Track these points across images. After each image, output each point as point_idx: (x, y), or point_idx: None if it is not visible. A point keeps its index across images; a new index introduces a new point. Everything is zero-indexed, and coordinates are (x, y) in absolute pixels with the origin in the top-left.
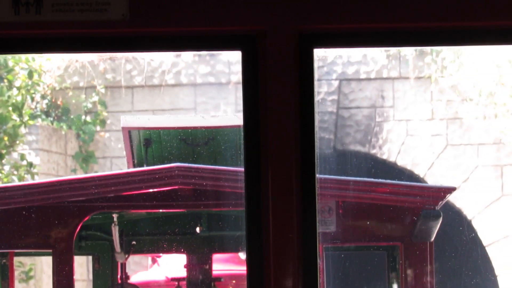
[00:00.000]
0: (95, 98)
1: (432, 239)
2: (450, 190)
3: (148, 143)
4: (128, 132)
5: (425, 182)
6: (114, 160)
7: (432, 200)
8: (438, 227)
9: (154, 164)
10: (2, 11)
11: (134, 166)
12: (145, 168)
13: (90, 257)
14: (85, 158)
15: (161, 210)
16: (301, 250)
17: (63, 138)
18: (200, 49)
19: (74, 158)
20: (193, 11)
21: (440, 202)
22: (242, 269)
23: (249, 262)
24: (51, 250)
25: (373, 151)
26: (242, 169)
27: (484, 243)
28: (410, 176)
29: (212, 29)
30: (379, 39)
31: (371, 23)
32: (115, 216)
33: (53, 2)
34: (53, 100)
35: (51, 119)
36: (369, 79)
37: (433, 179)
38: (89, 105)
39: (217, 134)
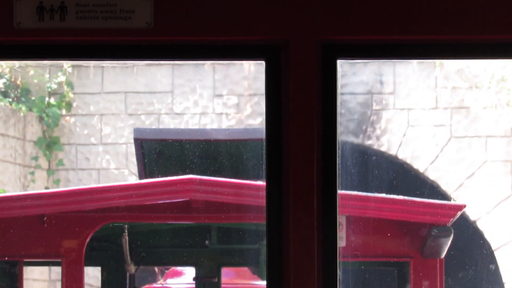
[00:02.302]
0: (62, 78)
1: (443, 256)
2: (461, 207)
3: (161, 155)
4: (141, 144)
5: (426, 177)
6: (80, 148)
7: (443, 217)
8: (449, 244)
9: (166, 176)
10: (26, 18)
11: (146, 177)
12: (157, 179)
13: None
14: (49, 144)
15: (171, 222)
16: (321, 265)
17: (22, 121)
18: (223, 59)
19: (36, 144)
20: (217, 20)
21: (451, 219)
22: (251, 283)
23: (269, 276)
24: (60, 260)
25: (368, 142)
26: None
27: (492, 246)
28: (409, 170)
29: (236, 39)
30: (403, 51)
31: (394, 35)
32: (125, 227)
33: (77, 9)
34: (12, 79)
35: (10, 100)
36: (365, 61)
37: (435, 174)
38: (54, 86)
39: (232, 147)
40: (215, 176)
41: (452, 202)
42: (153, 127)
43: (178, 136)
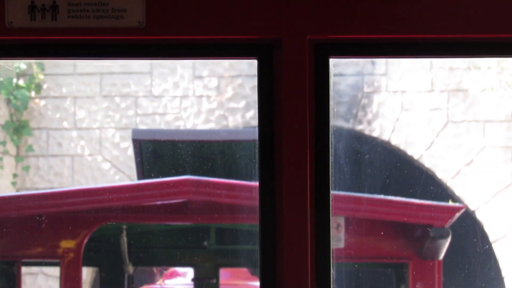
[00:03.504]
0: None
1: (441, 257)
2: (459, 208)
3: (159, 155)
4: (139, 144)
5: (421, 164)
6: (51, 132)
7: (441, 218)
8: (447, 245)
9: (164, 176)
10: (18, 17)
11: (144, 178)
12: (155, 180)
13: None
14: (17, 128)
15: (170, 223)
16: (314, 266)
17: None
18: (215, 57)
19: (4, 128)
20: (209, 19)
21: (449, 221)
22: (249, 283)
23: (263, 277)
24: (58, 260)
25: (359, 127)
26: (252, 183)
27: (491, 238)
28: (403, 156)
29: (228, 38)
30: (395, 49)
31: (387, 34)
32: (123, 227)
33: (69, 8)
34: None
35: None
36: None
37: (431, 161)
38: (23, 66)
39: (228, 148)
40: (212, 176)
41: (450, 204)
42: (130, 111)
43: (176, 137)
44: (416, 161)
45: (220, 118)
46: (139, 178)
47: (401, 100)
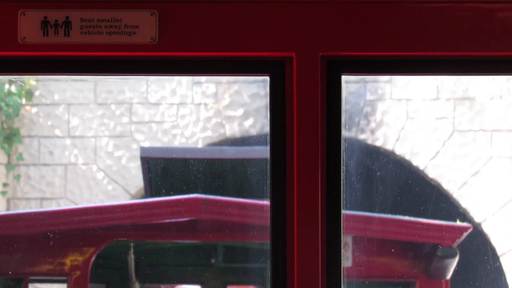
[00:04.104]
0: None
1: (448, 276)
2: (467, 228)
3: (167, 173)
4: (147, 162)
5: (426, 175)
6: (43, 140)
7: (449, 238)
8: (455, 265)
9: (172, 195)
10: (31, 33)
11: (152, 196)
12: (163, 198)
13: None
14: (8, 136)
15: (178, 241)
16: (325, 285)
17: None
18: (228, 74)
19: None
20: (221, 36)
21: (457, 240)
22: None
23: None
24: (66, 278)
25: (362, 136)
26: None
27: (498, 252)
28: (409, 167)
29: (241, 54)
30: (407, 67)
31: (398, 51)
32: (131, 245)
33: (82, 24)
34: None
35: None
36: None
37: (436, 172)
38: None
39: (238, 166)
40: (220, 194)
41: (458, 224)
42: (125, 118)
43: (184, 155)
44: (422, 171)
45: (217, 126)
46: (147, 196)
47: (406, 108)
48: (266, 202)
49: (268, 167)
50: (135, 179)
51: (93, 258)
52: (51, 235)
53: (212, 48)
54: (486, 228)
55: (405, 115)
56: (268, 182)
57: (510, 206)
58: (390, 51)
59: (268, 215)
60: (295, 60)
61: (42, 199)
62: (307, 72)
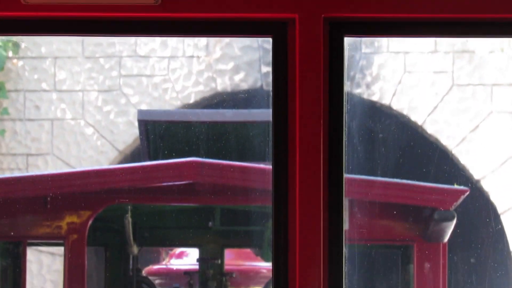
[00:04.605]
0: None
1: (446, 240)
2: (464, 192)
3: (165, 137)
4: (145, 125)
5: (424, 130)
6: (28, 95)
7: (446, 201)
8: (452, 228)
9: (169, 158)
10: None
11: (150, 159)
12: (160, 162)
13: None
14: None
15: (176, 204)
16: (327, 247)
17: None
18: (231, 35)
19: None
20: None
21: (454, 203)
22: (254, 264)
23: (275, 258)
24: (63, 241)
25: (357, 91)
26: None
27: (498, 210)
28: (407, 123)
29: (244, 16)
30: (410, 29)
31: (402, 12)
32: (129, 208)
33: None
34: None
35: None
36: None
37: (434, 127)
38: None
39: (239, 128)
40: (220, 157)
41: (455, 187)
42: (115, 72)
43: (183, 118)
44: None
45: (208, 80)
46: (144, 159)
47: (403, 62)
48: (264, 166)
49: (270, 129)
50: (124, 135)
51: (90, 221)
52: (49, 199)
53: (214, 10)
54: (486, 186)
55: (402, 68)
56: (270, 144)
57: (510, 163)
58: (393, 13)
59: (266, 178)
60: (297, 22)
61: (28, 155)
62: (310, 34)
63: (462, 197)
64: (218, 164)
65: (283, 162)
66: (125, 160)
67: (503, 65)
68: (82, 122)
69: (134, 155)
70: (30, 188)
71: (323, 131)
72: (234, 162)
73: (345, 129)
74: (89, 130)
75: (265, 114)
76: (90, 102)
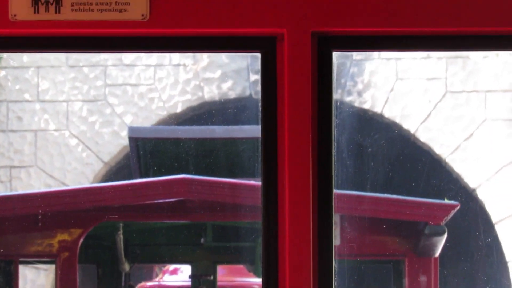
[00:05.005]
0: None
1: (437, 254)
2: (455, 206)
3: (156, 153)
4: (136, 142)
5: (417, 139)
6: (11, 105)
7: (437, 216)
8: (443, 243)
9: (160, 175)
10: (22, 10)
11: (141, 176)
12: (150, 179)
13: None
14: None
15: (166, 221)
16: (317, 263)
17: None
18: (219, 50)
19: None
20: (213, 12)
21: (445, 218)
22: (246, 280)
23: (265, 275)
24: (54, 259)
25: (348, 99)
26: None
27: (493, 219)
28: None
29: (231, 31)
30: (398, 43)
31: (391, 27)
32: (120, 225)
33: (73, 1)
34: None
35: None
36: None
37: (427, 135)
38: None
39: (227, 145)
40: (211, 173)
41: (446, 202)
42: (100, 81)
43: (173, 134)
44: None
45: (196, 89)
46: (135, 176)
47: (395, 68)
48: (253, 182)
49: (260, 145)
50: (109, 146)
51: (81, 239)
52: (40, 217)
53: (203, 25)
54: (481, 195)
55: (394, 75)
56: (260, 160)
57: (505, 171)
58: (382, 27)
59: (255, 195)
60: (286, 37)
61: (11, 167)
62: (298, 49)
63: (453, 212)
64: (208, 181)
65: (273, 178)
66: (110, 171)
67: (498, 71)
68: (67, 133)
69: (119, 167)
70: (21, 206)
71: (312, 146)
72: (223, 179)
73: (334, 144)
74: (74, 141)
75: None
76: (74, 113)
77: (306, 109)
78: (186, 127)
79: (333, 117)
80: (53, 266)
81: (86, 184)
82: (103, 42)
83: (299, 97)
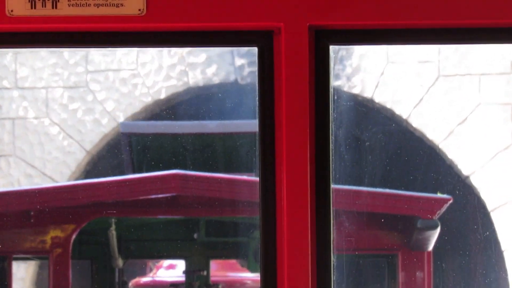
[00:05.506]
0: None
1: (430, 248)
2: (447, 200)
3: (148, 149)
4: (128, 138)
5: (409, 124)
6: None
7: (429, 210)
8: (436, 237)
9: (153, 170)
10: (18, 5)
11: (134, 172)
12: (144, 174)
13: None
14: None
15: (160, 216)
16: (315, 259)
17: None
18: (216, 45)
19: None
20: (209, 6)
21: (438, 212)
22: (240, 275)
23: (264, 270)
24: (47, 255)
25: (337, 83)
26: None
27: (488, 207)
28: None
29: (228, 25)
30: (396, 37)
31: (388, 20)
32: (113, 221)
33: None
34: None
35: None
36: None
37: (420, 121)
38: None
39: (221, 140)
40: (207, 169)
41: (438, 195)
42: (80, 67)
43: (167, 130)
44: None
45: (181, 75)
46: (128, 172)
47: (386, 52)
48: (248, 177)
49: (257, 140)
50: (91, 134)
51: (74, 235)
52: (33, 213)
53: (200, 20)
54: (475, 182)
55: (385, 59)
56: (257, 155)
57: (501, 157)
58: (379, 21)
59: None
60: (283, 31)
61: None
62: (295, 43)
63: (446, 206)
64: (201, 177)
65: (270, 172)
66: (93, 161)
67: (492, 53)
68: (47, 121)
69: (100, 156)
70: (13, 202)
71: (309, 141)
72: (217, 174)
73: (331, 138)
74: (55, 130)
75: (251, 125)
76: (54, 100)
77: (304, 104)
78: (180, 122)
79: (331, 111)
80: (33, 261)
81: (68, 173)
82: (100, 38)
83: (296, 92)
